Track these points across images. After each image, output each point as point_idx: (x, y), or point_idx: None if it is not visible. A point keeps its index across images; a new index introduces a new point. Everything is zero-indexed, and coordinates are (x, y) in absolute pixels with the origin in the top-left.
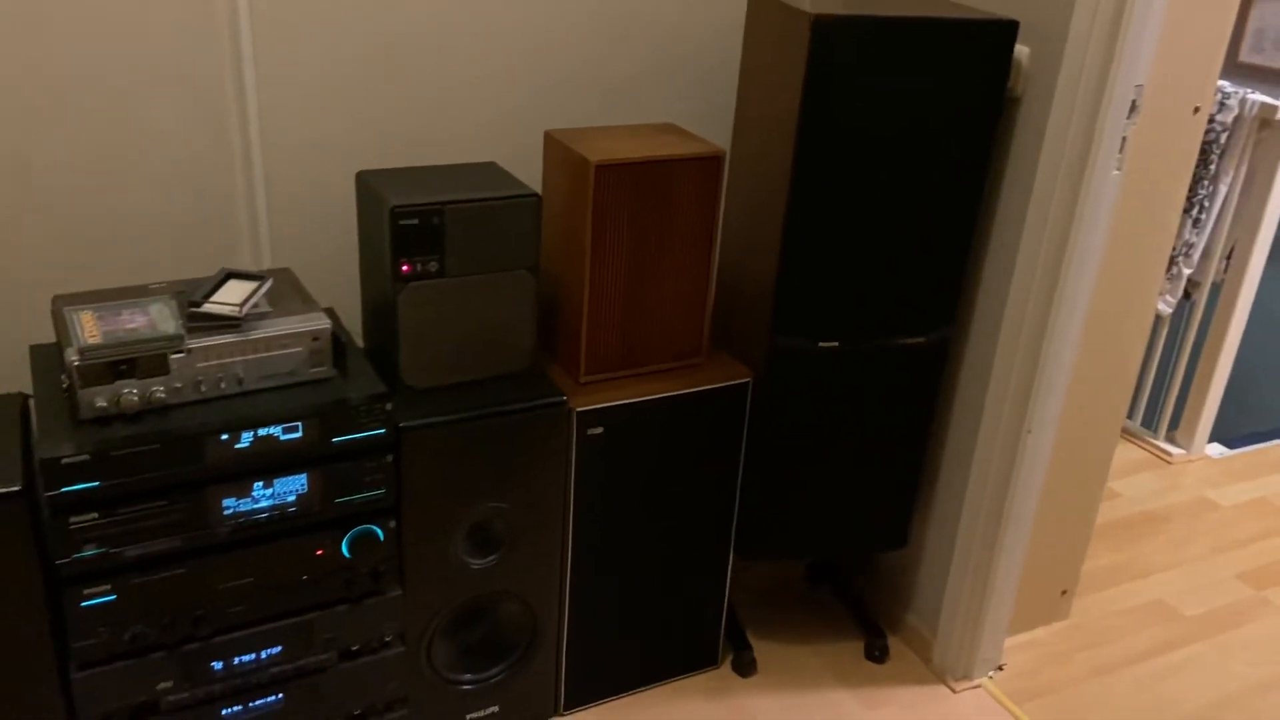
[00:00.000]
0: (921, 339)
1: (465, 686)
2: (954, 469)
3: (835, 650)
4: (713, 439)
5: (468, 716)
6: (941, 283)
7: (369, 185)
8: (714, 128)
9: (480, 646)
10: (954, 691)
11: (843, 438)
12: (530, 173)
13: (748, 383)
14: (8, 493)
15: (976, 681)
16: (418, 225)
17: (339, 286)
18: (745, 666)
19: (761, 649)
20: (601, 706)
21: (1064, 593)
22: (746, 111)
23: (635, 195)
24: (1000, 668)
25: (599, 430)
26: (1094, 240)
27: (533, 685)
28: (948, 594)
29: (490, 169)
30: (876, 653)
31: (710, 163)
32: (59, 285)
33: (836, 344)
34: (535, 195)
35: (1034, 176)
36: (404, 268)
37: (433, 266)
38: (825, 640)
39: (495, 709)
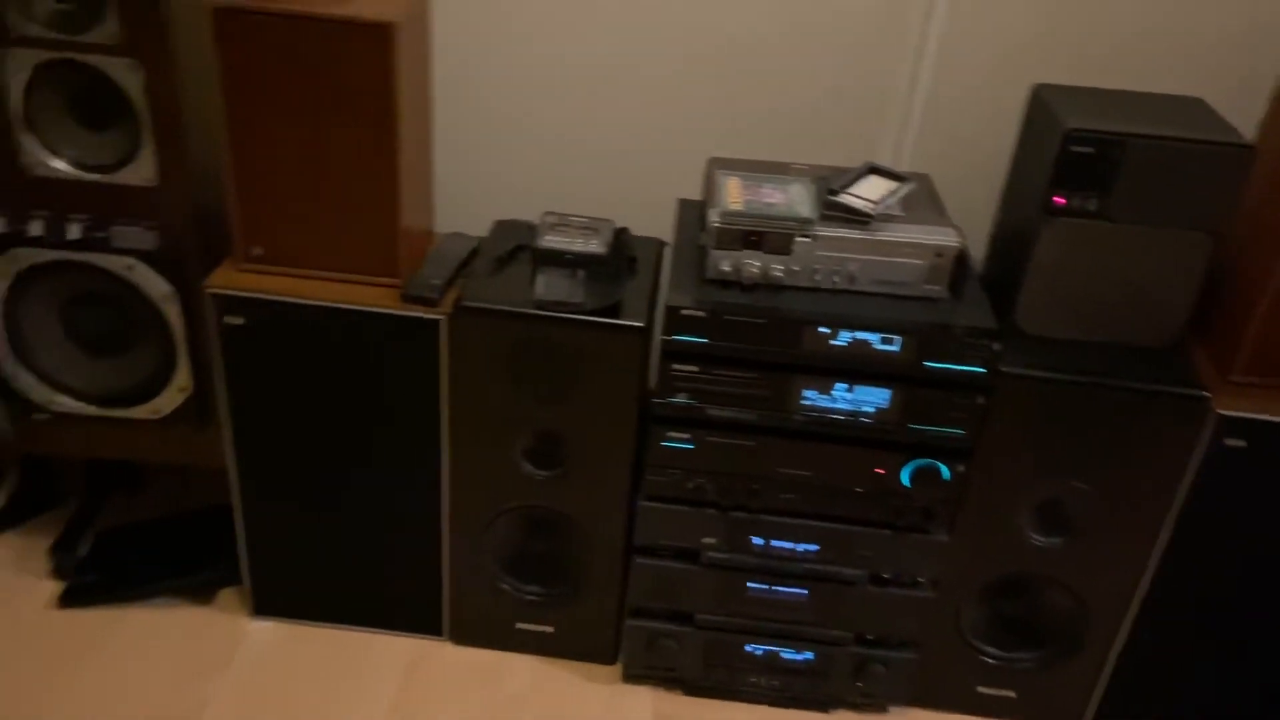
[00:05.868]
0: None
1: (985, 658)
2: None
3: None
4: None
5: (978, 688)
6: None
7: (1044, 101)
8: None
9: (1014, 623)
10: None
11: None
12: (1242, 118)
13: None
14: (635, 326)
15: None
16: (1091, 155)
17: (972, 205)
18: None
19: None
20: None
21: None
22: None
23: None
24: None
25: (1240, 444)
26: None
27: (1063, 689)
28: None
29: (1195, 105)
30: None
31: None
32: (709, 150)
33: None
34: (1247, 146)
35: None
36: (1056, 199)
37: (1091, 205)
38: None
39: (1011, 693)
